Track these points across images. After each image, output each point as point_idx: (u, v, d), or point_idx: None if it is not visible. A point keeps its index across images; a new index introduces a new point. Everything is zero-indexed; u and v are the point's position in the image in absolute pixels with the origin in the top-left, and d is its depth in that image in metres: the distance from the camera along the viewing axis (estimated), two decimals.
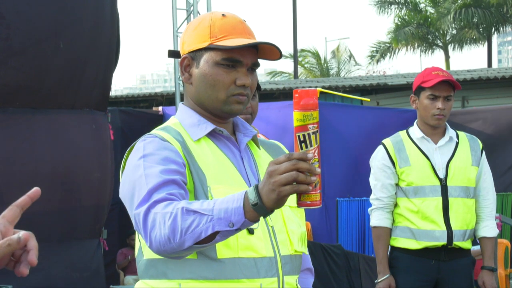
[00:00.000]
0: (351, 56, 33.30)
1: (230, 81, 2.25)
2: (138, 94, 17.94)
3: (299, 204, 1.94)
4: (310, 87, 15.70)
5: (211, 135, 2.30)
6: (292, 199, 2.30)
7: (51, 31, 6.27)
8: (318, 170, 1.91)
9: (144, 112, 11.02)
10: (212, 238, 1.96)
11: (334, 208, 8.92)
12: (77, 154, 6.53)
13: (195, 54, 2.29)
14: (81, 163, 6.55)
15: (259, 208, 1.90)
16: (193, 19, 9.70)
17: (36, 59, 6.17)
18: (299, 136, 1.93)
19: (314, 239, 8.69)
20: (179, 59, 2.36)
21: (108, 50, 6.76)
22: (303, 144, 1.93)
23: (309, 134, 1.93)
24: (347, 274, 7.43)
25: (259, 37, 2.39)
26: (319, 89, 1.97)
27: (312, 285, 2.52)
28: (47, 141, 6.34)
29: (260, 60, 2.31)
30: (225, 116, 2.31)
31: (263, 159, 2.39)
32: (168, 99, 16.12)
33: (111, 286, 7.89)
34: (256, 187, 1.92)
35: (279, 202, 1.90)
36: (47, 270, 6.22)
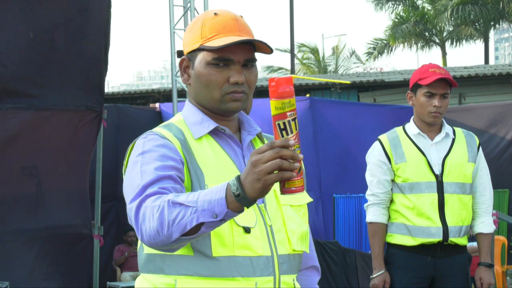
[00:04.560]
0: (353, 53, 33.29)
1: (223, 80, 2.26)
2: (135, 91, 17.95)
3: (284, 191, 1.96)
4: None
5: (214, 133, 2.32)
6: (295, 198, 2.30)
7: (44, 28, 6.28)
8: (301, 156, 1.93)
9: (141, 109, 11.01)
10: (198, 229, 1.98)
11: (331, 204, 8.92)
12: (66, 150, 6.57)
13: (192, 55, 2.32)
14: (67, 160, 6.58)
15: (241, 199, 1.93)
16: (190, 15, 9.68)
17: (28, 57, 6.18)
18: (279, 124, 1.95)
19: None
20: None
21: (101, 47, 6.77)
22: (283, 132, 1.95)
23: (289, 121, 1.95)
24: (344, 271, 7.44)
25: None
26: (293, 75, 1.99)
27: (317, 283, 2.51)
28: (37, 138, 6.38)
29: (260, 58, 2.31)
30: (225, 114, 2.32)
31: None
32: (165, 96, 16.10)
33: (108, 282, 7.89)
34: (238, 178, 1.94)
35: (264, 191, 1.92)
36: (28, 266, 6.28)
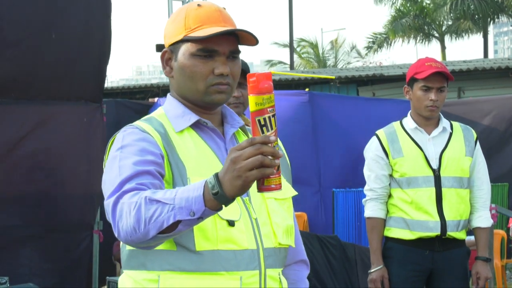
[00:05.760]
0: (353, 47, 33.30)
1: (208, 71, 2.23)
2: (134, 86, 17.94)
3: (262, 189, 1.93)
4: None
5: (196, 126, 2.28)
6: (279, 192, 2.29)
7: (44, 22, 6.27)
8: (281, 153, 1.91)
9: (140, 104, 10.99)
10: (175, 227, 1.95)
11: (330, 199, 8.91)
12: (67, 146, 6.56)
13: (174, 47, 2.27)
14: (69, 155, 6.58)
15: (220, 197, 1.90)
16: None
17: (30, 51, 6.18)
18: (259, 120, 1.91)
19: (310, 230, 8.69)
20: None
21: (101, 41, 6.76)
22: (264, 128, 1.91)
23: (269, 117, 1.92)
24: (344, 265, 7.44)
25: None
26: (272, 71, 1.96)
27: (306, 277, 2.47)
28: (39, 133, 6.37)
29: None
30: (209, 107, 2.29)
31: None
32: (164, 90, 16.11)
33: (107, 277, 7.89)
34: (216, 176, 1.91)
35: (244, 188, 1.89)
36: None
